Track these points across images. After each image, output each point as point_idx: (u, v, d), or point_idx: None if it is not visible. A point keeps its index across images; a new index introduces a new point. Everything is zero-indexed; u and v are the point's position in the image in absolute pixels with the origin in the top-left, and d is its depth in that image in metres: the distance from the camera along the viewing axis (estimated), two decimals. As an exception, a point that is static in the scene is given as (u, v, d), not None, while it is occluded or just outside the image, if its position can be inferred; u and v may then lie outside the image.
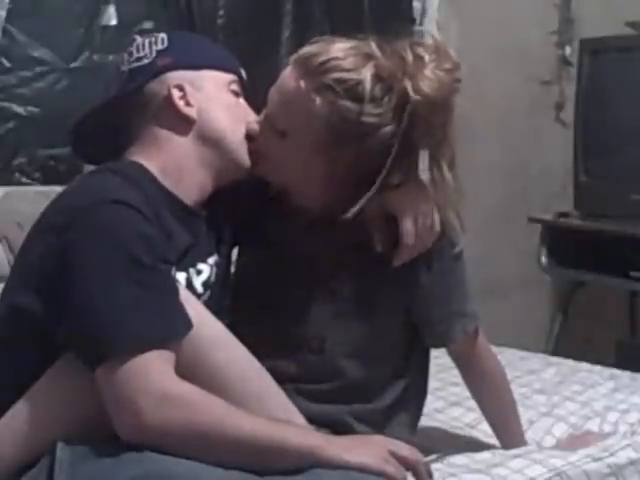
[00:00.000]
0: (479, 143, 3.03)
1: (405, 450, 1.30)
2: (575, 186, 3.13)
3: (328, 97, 1.40)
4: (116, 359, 1.23)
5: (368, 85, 1.40)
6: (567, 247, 3.15)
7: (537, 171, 3.43)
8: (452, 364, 1.65)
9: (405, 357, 1.57)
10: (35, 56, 2.51)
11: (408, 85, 1.39)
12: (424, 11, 3.30)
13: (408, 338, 1.57)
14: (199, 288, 1.47)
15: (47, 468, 1.22)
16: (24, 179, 2.52)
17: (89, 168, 1.56)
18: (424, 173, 1.48)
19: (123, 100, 1.48)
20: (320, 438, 1.29)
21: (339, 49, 1.43)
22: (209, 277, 1.50)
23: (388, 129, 1.41)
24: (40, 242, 1.35)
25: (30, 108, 2.51)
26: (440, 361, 1.81)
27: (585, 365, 2.30)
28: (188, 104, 1.47)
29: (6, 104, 2.47)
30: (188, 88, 1.47)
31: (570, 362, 2.34)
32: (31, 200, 2.08)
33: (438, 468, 1.48)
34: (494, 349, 1.67)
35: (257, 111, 1.54)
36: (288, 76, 1.45)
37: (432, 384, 1.70)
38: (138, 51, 1.49)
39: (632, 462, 1.60)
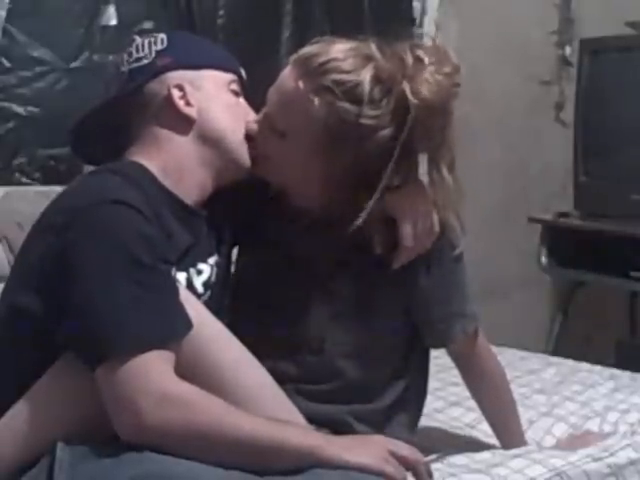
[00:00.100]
0: (479, 143, 3.03)
1: (405, 450, 1.30)
2: (575, 186, 3.13)
3: (326, 98, 1.40)
4: (116, 359, 1.23)
5: (367, 87, 1.39)
6: (567, 247, 3.15)
7: (537, 171, 3.43)
8: (452, 364, 1.65)
9: (405, 357, 1.57)
10: (35, 56, 2.50)
11: (407, 88, 1.39)
12: (424, 11, 3.30)
13: (408, 338, 1.57)
14: (199, 288, 1.47)
15: (47, 468, 1.22)
16: (24, 179, 2.52)
17: (89, 168, 1.56)
18: (423, 175, 1.48)
19: (123, 100, 1.48)
20: (320, 438, 1.29)
21: (339, 50, 1.43)
22: (209, 277, 1.50)
23: (386, 132, 1.41)
24: (40, 242, 1.35)
25: (30, 108, 2.50)
26: (440, 361, 1.81)
27: (585, 365, 2.30)
28: (188, 104, 1.47)
29: (6, 104, 2.47)
30: (188, 88, 1.47)
31: (570, 362, 2.34)
32: (31, 200, 2.08)
33: (438, 468, 1.48)
34: (494, 349, 1.67)
35: (257, 111, 1.54)
36: (287, 76, 1.45)
37: (432, 384, 1.70)
38: (138, 51, 1.49)
39: (632, 462, 1.60)
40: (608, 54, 3.06)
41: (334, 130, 1.41)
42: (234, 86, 1.53)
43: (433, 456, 1.59)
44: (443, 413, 1.92)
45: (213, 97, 1.50)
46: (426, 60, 1.41)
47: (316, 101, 1.41)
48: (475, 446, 1.70)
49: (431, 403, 1.79)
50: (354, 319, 1.51)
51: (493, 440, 1.68)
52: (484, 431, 1.74)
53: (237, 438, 1.23)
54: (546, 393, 2.05)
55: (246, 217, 1.59)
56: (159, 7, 2.74)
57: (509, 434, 1.67)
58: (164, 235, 1.36)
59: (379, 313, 1.52)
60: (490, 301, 2.91)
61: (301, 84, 1.43)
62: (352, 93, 1.40)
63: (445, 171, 1.44)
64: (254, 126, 1.51)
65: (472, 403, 1.70)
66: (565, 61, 3.44)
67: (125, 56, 1.50)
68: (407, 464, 1.28)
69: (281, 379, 1.41)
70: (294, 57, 1.47)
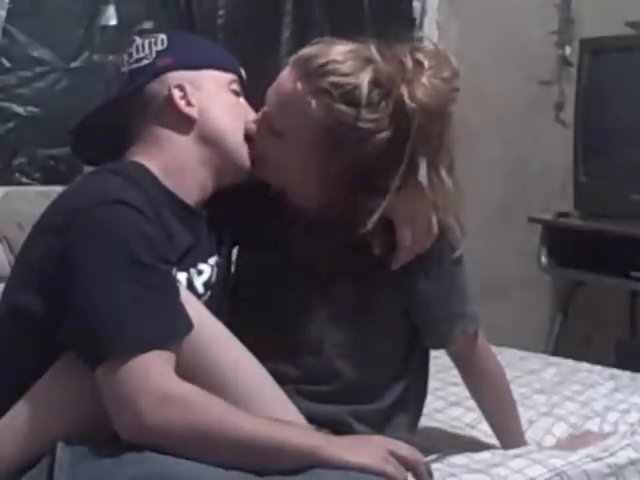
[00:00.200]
0: (479, 143, 3.04)
1: (405, 450, 1.30)
2: (575, 186, 3.13)
3: (324, 100, 1.40)
4: (116, 359, 1.23)
5: (365, 90, 1.39)
6: (567, 247, 3.15)
7: (537, 171, 3.43)
8: (452, 364, 1.65)
9: (405, 358, 1.57)
10: (35, 56, 2.51)
11: (405, 92, 1.38)
12: (424, 11, 3.31)
13: (407, 339, 1.56)
14: (200, 288, 1.47)
15: (47, 468, 1.22)
16: (24, 179, 2.52)
17: (89, 168, 1.56)
18: (423, 177, 1.47)
19: (123, 101, 1.48)
20: (320, 438, 1.29)
21: (338, 52, 1.42)
22: (210, 277, 1.50)
23: (384, 134, 1.40)
24: (40, 242, 1.35)
25: (30, 108, 2.51)
26: (440, 361, 1.81)
27: (585, 365, 2.30)
28: (189, 104, 1.47)
29: (6, 104, 2.47)
30: (189, 88, 1.47)
31: (570, 362, 2.34)
32: (31, 200, 2.08)
33: (438, 468, 1.48)
34: (494, 349, 1.67)
35: (257, 111, 1.54)
36: (286, 77, 1.45)
37: (432, 384, 1.70)
38: (138, 52, 1.49)
39: (632, 462, 1.60)
40: (608, 54, 3.06)
41: (332, 132, 1.40)
42: (234, 86, 1.53)
43: (433, 456, 1.59)
44: (443, 413, 1.92)
45: (214, 97, 1.50)
46: (426, 64, 1.40)
47: (314, 103, 1.40)
48: (475, 446, 1.70)
49: (431, 403, 1.79)
50: (353, 320, 1.51)
51: (493, 440, 1.68)
52: (484, 431, 1.74)
53: (237, 438, 1.23)
54: (546, 393, 2.05)
55: (246, 217, 1.59)
56: (159, 7, 2.74)
57: (509, 434, 1.67)
58: (165, 235, 1.36)
59: (378, 314, 1.52)
60: (490, 301, 2.91)
61: (299, 85, 1.42)
62: (350, 96, 1.39)
63: (444, 174, 1.44)
64: (253, 126, 1.51)
65: (472, 403, 1.70)
66: (565, 61, 3.44)
67: (125, 57, 1.50)
68: (407, 464, 1.28)
69: (281, 380, 1.41)
70: (293, 58, 1.47)
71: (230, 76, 1.53)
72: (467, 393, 1.69)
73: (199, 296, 1.44)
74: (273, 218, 1.57)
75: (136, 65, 1.48)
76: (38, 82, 2.52)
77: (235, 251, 1.64)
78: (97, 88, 1.60)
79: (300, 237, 1.53)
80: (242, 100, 1.55)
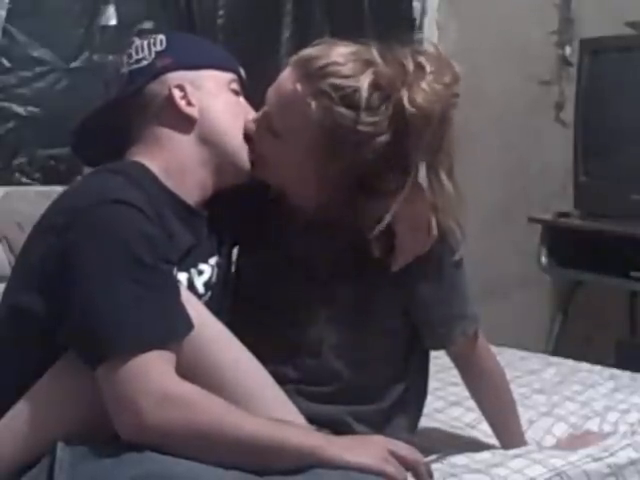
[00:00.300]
0: (479, 143, 3.04)
1: (405, 450, 1.30)
2: (575, 186, 3.13)
3: (324, 102, 1.40)
4: (117, 359, 1.23)
5: (365, 93, 1.38)
6: (567, 247, 3.15)
7: (537, 171, 3.43)
8: (452, 364, 1.65)
9: (405, 359, 1.57)
10: (35, 56, 2.51)
11: (404, 96, 1.38)
12: (424, 11, 3.31)
13: (407, 340, 1.56)
14: (200, 288, 1.47)
15: (47, 468, 1.22)
16: (24, 179, 2.52)
17: (89, 169, 1.56)
18: (423, 179, 1.47)
19: (123, 102, 1.48)
20: (321, 438, 1.29)
21: (339, 54, 1.42)
22: (210, 277, 1.50)
23: (383, 138, 1.40)
24: (41, 243, 1.35)
25: (30, 108, 2.51)
26: (440, 361, 1.80)
27: (585, 365, 2.30)
28: (189, 104, 1.47)
29: (6, 104, 2.48)
30: (189, 88, 1.47)
31: (570, 362, 2.34)
32: (31, 200, 2.08)
33: (438, 468, 1.48)
34: (494, 349, 1.67)
35: (257, 111, 1.54)
36: (286, 78, 1.45)
37: (432, 384, 1.70)
38: (137, 53, 1.49)
39: (632, 462, 1.60)
40: (608, 54, 3.05)
41: (330, 134, 1.40)
42: (234, 85, 1.54)
43: (433, 456, 1.59)
44: (443, 413, 1.92)
45: (214, 96, 1.50)
46: (427, 68, 1.40)
47: (313, 104, 1.40)
48: (475, 446, 1.70)
49: (431, 403, 1.79)
50: (353, 321, 1.50)
51: (493, 440, 1.68)
52: (484, 431, 1.74)
53: (238, 438, 1.23)
54: (546, 393, 2.05)
55: (246, 218, 1.59)
56: (159, 7, 2.74)
57: (509, 434, 1.67)
58: (165, 235, 1.36)
59: (378, 315, 1.52)
60: (490, 301, 2.91)
61: (299, 86, 1.42)
62: (350, 98, 1.39)
63: (444, 177, 1.43)
64: (252, 125, 1.50)
65: (472, 403, 1.70)
66: (565, 61, 3.44)
67: (124, 58, 1.50)
68: (407, 464, 1.28)
69: (282, 380, 1.42)
70: (294, 58, 1.46)
71: (230, 75, 1.54)
72: (467, 393, 1.69)
73: (200, 296, 1.44)
74: (273, 218, 1.57)
75: (135, 66, 1.48)
76: (38, 82, 2.52)
77: (235, 251, 1.64)
78: (97, 88, 1.60)
79: (300, 237, 1.53)
80: (242, 99, 1.55)
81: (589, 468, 1.54)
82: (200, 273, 1.48)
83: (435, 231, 1.47)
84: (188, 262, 1.44)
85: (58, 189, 1.44)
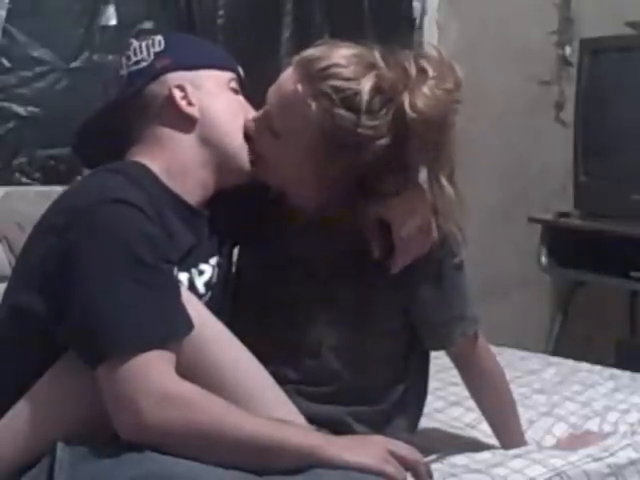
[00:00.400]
0: (479, 143, 3.03)
1: (405, 450, 1.30)
2: (575, 186, 3.13)
3: (324, 104, 1.39)
4: (117, 358, 1.23)
5: (366, 96, 1.38)
6: (567, 247, 3.15)
7: (537, 171, 3.43)
8: (452, 364, 1.65)
9: (405, 359, 1.57)
10: (35, 56, 2.51)
11: (406, 100, 1.37)
12: (424, 11, 3.31)
13: (407, 341, 1.56)
14: (201, 288, 1.47)
15: (47, 468, 1.22)
16: (24, 179, 2.52)
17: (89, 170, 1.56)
18: (423, 181, 1.47)
19: (123, 104, 1.48)
20: (320, 438, 1.29)
21: (342, 55, 1.41)
22: (211, 277, 1.50)
23: (383, 141, 1.39)
24: (41, 243, 1.35)
25: (30, 108, 2.51)
26: (440, 361, 1.80)
27: (585, 365, 2.30)
28: (190, 104, 1.47)
29: (6, 104, 2.48)
30: (189, 88, 1.47)
31: (570, 362, 2.34)
32: (31, 200, 2.08)
33: (438, 468, 1.48)
34: (494, 349, 1.67)
35: (257, 110, 1.53)
36: (288, 78, 1.45)
37: (432, 384, 1.70)
38: (136, 54, 1.49)
39: (632, 462, 1.60)
40: (608, 54, 3.05)
41: (330, 136, 1.40)
42: (233, 84, 1.54)
43: (433, 456, 1.59)
44: (443, 413, 1.92)
45: (214, 96, 1.50)
46: (429, 72, 1.39)
47: (313, 106, 1.40)
48: (475, 446, 1.70)
49: (431, 403, 1.79)
50: (352, 322, 1.50)
51: (493, 440, 1.68)
52: (484, 431, 1.74)
53: (238, 438, 1.23)
54: (546, 393, 2.05)
55: (246, 218, 1.59)
56: (159, 7, 2.74)
57: (509, 434, 1.67)
58: (166, 235, 1.36)
59: (378, 316, 1.51)
60: (490, 301, 2.91)
61: (300, 87, 1.42)
62: (350, 101, 1.39)
63: (444, 181, 1.42)
64: (252, 124, 1.50)
65: (472, 403, 1.70)
66: (565, 61, 3.44)
67: (123, 59, 1.50)
68: (407, 464, 1.28)
69: (282, 381, 1.41)
70: (297, 58, 1.46)
71: (229, 74, 1.54)
72: (467, 393, 1.69)
73: (200, 296, 1.44)
74: (273, 219, 1.57)
75: (134, 67, 1.48)
76: (38, 82, 2.52)
77: (236, 251, 1.64)
78: (97, 88, 1.60)
79: (300, 238, 1.53)
80: (241, 98, 1.55)
81: (589, 468, 1.54)
82: (201, 273, 1.48)
83: (435, 233, 1.47)
84: (189, 262, 1.44)
85: (58, 189, 1.44)
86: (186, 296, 1.33)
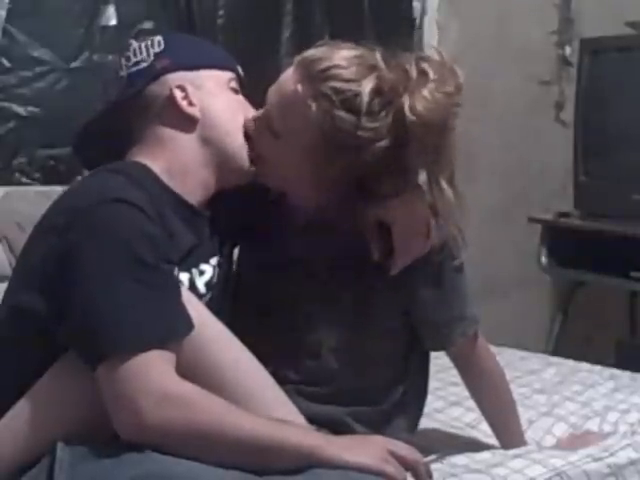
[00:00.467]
0: (479, 143, 3.04)
1: (404, 450, 1.30)
2: (575, 186, 3.13)
3: (324, 105, 1.39)
4: (117, 358, 1.23)
5: (366, 98, 1.37)
6: (567, 247, 3.15)
7: (537, 171, 3.43)
8: (452, 364, 1.65)
9: (405, 360, 1.57)
10: (35, 56, 2.51)
11: (406, 103, 1.37)
12: (424, 11, 3.31)
13: (407, 341, 1.56)
14: (202, 289, 1.47)
15: (47, 468, 1.22)
16: (24, 179, 2.52)
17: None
18: (423, 182, 1.47)
19: (124, 105, 1.48)
20: (320, 438, 1.29)
21: (343, 57, 1.41)
22: (212, 278, 1.50)
23: (382, 143, 1.39)
24: (42, 243, 1.35)
25: (30, 108, 2.51)
26: (440, 361, 1.80)
27: (585, 365, 2.30)
28: (191, 104, 1.47)
29: (6, 104, 2.48)
30: (190, 88, 1.47)
31: (570, 362, 2.34)
32: (31, 200, 2.09)
33: (438, 468, 1.48)
34: (494, 349, 1.67)
35: (257, 110, 1.54)
36: (288, 78, 1.44)
37: (432, 384, 1.70)
38: (135, 55, 1.49)
39: (632, 462, 1.60)
40: (608, 54, 3.06)
41: (329, 137, 1.39)
42: (233, 84, 1.54)
43: (433, 456, 1.59)
44: (443, 413, 1.92)
45: (215, 96, 1.50)
46: (430, 75, 1.38)
47: (314, 107, 1.40)
48: (475, 446, 1.70)
49: (431, 403, 1.79)
50: (352, 323, 1.50)
51: (493, 440, 1.68)
52: (484, 431, 1.74)
53: (237, 438, 1.23)
54: (546, 393, 2.05)
55: (247, 218, 1.59)
56: (159, 7, 2.74)
57: (509, 434, 1.66)
58: (166, 235, 1.36)
59: (378, 317, 1.51)
60: (490, 301, 2.91)
61: (300, 88, 1.42)
62: (350, 103, 1.38)
63: (444, 184, 1.42)
64: (252, 124, 1.50)
65: (472, 403, 1.70)
66: (565, 61, 3.45)
67: (123, 61, 1.50)
68: (406, 464, 1.28)
69: (282, 381, 1.41)
70: (298, 59, 1.45)
71: (229, 74, 1.54)
72: (467, 393, 1.69)
73: (201, 296, 1.44)
74: (273, 219, 1.57)
75: (134, 68, 1.48)
76: (38, 82, 2.52)
77: (236, 251, 1.64)
78: (97, 88, 1.60)
79: (299, 238, 1.53)
80: (241, 98, 1.55)
81: (589, 468, 1.54)
82: (201, 273, 1.48)
83: (434, 234, 1.46)
84: (190, 262, 1.44)
85: (58, 189, 1.44)
86: (186, 296, 1.33)
